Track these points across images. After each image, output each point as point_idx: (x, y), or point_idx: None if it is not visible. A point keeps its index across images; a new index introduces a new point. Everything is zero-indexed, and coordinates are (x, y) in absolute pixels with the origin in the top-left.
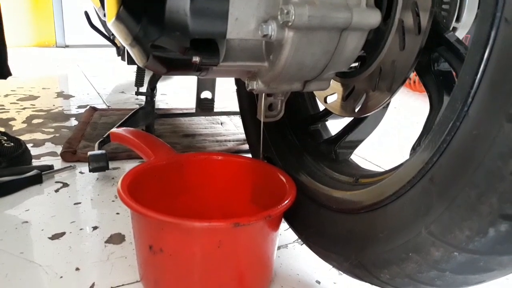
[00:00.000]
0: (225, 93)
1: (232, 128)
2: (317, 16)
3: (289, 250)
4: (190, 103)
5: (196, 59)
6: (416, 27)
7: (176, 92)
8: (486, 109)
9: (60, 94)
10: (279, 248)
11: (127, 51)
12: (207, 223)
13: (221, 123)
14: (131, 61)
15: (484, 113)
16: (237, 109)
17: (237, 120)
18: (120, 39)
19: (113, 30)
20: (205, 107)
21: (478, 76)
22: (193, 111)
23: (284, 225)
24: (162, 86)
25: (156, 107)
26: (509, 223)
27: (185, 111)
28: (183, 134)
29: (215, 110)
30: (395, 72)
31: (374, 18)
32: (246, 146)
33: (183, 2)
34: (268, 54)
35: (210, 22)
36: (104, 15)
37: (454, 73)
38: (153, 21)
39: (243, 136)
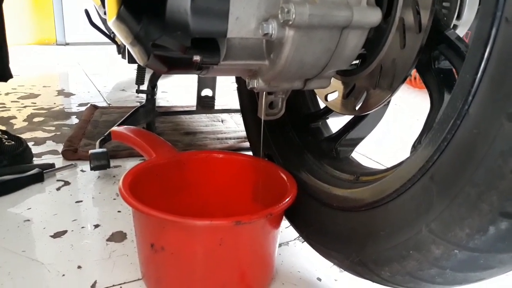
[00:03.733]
0: (226, 91)
1: (233, 126)
2: (318, 15)
3: (290, 247)
4: (191, 100)
5: (197, 58)
6: (416, 25)
7: (177, 89)
8: (486, 108)
9: (60, 92)
10: (280, 245)
11: (127, 49)
12: (208, 221)
13: (222, 121)
14: (131, 60)
15: (485, 112)
16: (237, 106)
17: (238, 117)
18: (121, 38)
19: (114, 29)
20: (206, 104)
21: (479, 75)
22: (194, 108)
23: (285, 222)
24: (163, 83)
25: (157, 104)
26: (509, 221)
27: (186, 109)
28: (184, 132)
29: (215, 107)
30: (395, 70)
31: (374, 16)
32: (247, 144)
33: (184, 2)
34: (268, 52)
35: (211, 21)
36: (105, 13)
37: (454, 71)
38: (154, 20)
39: (244, 133)
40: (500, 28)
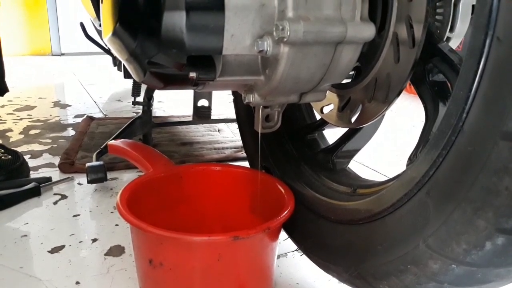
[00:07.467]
0: (222, 100)
1: (229, 135)
2: (312, 31)
3: (289, 259)
4: (187, 109)
5: (193, 75)
6: (410, 39)
7: (173, 98)
8: (480, 126)
9: (56, 104)
10: (279, 257)
11: (123, 64)
12: (206, 237)
13: (219, 130)
14: (127, 75)
15: (479, 130)
16: (234, 116)
17: (234, 127)
18: (117, 55)
19: (110, 45)
20: (202, 115)
21: (472, 92)
22: (190, 119)
23: (284, 234)
24: (159, 93)
25: (153, 115)
26: (506, 237)
27: (182, 119)
28: (180, 142)
29: (212, 117)
30: (390, 83)
31: (368, 31)
32: (244, 154)
33: (179, 20)
34: (264, 68)
35: (206, 39)
36: (100, 25)
37: (449, 84)
38: (150, 38)
39: (240, 143)
40: (492, 47)
